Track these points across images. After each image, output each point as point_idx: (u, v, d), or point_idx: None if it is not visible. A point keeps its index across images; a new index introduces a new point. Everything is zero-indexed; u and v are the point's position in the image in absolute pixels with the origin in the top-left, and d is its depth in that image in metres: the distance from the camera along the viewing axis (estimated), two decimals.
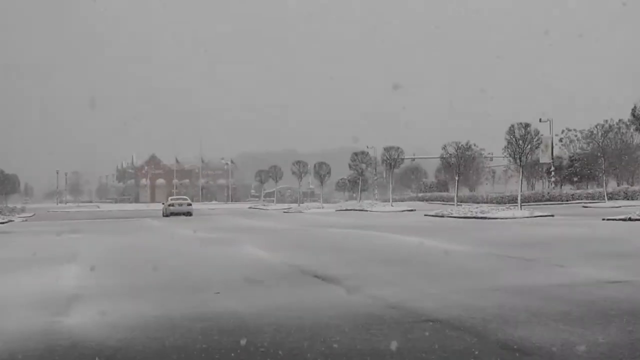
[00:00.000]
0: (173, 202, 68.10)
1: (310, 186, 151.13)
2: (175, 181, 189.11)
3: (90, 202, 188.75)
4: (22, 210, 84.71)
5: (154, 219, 57.51)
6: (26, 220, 60.33)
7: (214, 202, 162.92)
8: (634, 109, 38.78)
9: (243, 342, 8.56)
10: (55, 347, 8.58)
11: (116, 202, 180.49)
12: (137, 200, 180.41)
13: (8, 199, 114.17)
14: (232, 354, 8.06)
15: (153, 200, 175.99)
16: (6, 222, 53.09)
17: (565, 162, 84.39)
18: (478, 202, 75.98)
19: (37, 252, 23.56)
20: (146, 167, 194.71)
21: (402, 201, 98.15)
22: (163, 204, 71.35)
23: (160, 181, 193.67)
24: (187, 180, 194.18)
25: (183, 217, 59.08)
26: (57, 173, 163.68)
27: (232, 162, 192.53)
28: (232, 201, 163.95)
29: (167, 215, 63.04)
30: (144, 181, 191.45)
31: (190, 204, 67.11)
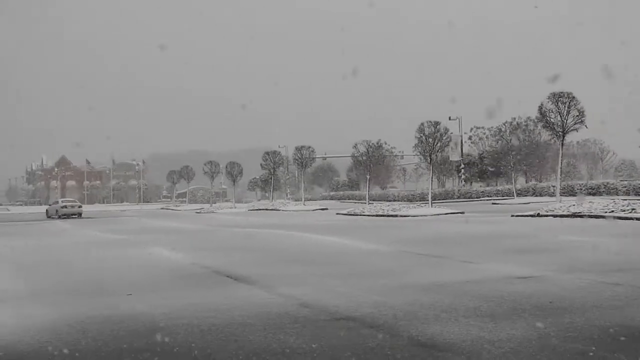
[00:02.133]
0: (66, 204, 73.28)
1: (223, 186, 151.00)
2: (86, 183, 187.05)
3: (0, 204, 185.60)
4: None
5: (64, 221, 56.75)
6: None
7: (125, 203, 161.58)
8: (540, 107, 39.48)
9: (156, 343, 8.51)
10: None
11: (26, 204, 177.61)
12: (47, 203, 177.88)
13: None
14: (145, 355, 8.01)
15: None
16: None
17: (475, 160, 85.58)
18: (389, 200, 76.73)
19: None
20: (56, 169, 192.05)
21: (314, 200, 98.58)
22: (50, 205, 77.08)
23: (71, 183, 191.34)
24: (98, 182, 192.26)
25: (92, 220, 58.66)
26: None
27: (143, 162, 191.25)
28: (143, 202, 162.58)
29: (59, 217, 68.74)
30: (54, 183, 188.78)
31: (80, 206, 73.77)
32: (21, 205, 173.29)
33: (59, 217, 68.50)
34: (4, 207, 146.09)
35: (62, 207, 71.29)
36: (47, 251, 24.57)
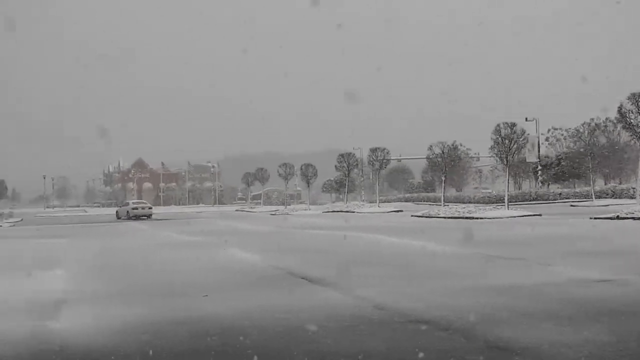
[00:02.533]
0: (137, 205, 75.60)
1: (297, 188, 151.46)
2: (161, 184, 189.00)
3: (78, 206, 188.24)
4: (10, 215, 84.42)
5: (141, 222, 57.40)
6: (14, 226, 60.09)
7: (200, 205, 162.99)
8: (620, 107, 38.85)
9: (230, 344, 8.53)
10: (43, 352, 8.54)
11: (103, 206, 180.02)
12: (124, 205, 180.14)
13: None
14: (219, 356, 8.03)
15: None
16: None
17: (552, 161, 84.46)
18: (465, 202, 76.20)
19: (24, 257, 23.57)
20: (133, 171, 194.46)
21: (389, 202, 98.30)
22: (120, 207, 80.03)
23: (147, 185, 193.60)
24: (173, 184, 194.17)
25: (168, 221, 59.18)
26: (44, 178, 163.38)
27: (218, 165, 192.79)
28: (218, 204, 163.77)
29: (129, 218, 70.59)
30: (130, 185, 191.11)
31: (150, 208, 76.29)
32: (98, 207, 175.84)
33: (129, 219, 69.92)
34: (82, 209, 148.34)
35: (133, 209, 73.15)
36: (123, 252, 24.84)
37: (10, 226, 58.64)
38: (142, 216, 72.04)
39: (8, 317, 11.17)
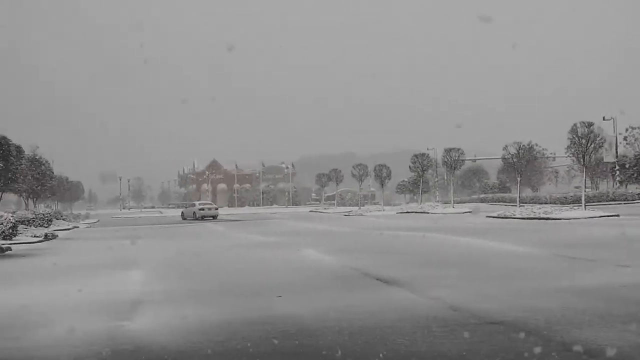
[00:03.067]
0: (203, 206, 76.86)
1: (371, 189, 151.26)
2: (236, 186, 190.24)
3: (153, 207, 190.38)
4: (87, 216, 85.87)
5: (215, 223, 57.81)
6: (90, 227, 60.96)
7: (274, 206, 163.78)
8: None
9: (305, 345, 8.54)
10: (119, 351, 8.65)
11: (178, 207, 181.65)
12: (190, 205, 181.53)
13: (73, 205, 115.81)
14: (294, 357, 8.04)
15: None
16: (71, 229, 53.64)
17: (630, 161, 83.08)
18: (541, 203, 75.21)
19: (100, 257, 23.89)
20: (207, 172, 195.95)
21: (463, 203, 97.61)
22: (186, 207, 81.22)
23: (222, 186, 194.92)
24: (247, 185, 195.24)
25: (242, 222, 59.51)
26: (120, 179, 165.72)
27: (292, 165, 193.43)
28: (292, 205, 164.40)
29: (195, 219, 71.65)
30: (205, 186, 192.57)
31: (217, 209, 78.33)
32: (173, 208, 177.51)
33: (195, 219, 71.19)
34: (157, 210, 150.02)
35: (200, 210, 74.52)
36: (199, 253, 25.04)
37: (87, 227, 59.47)
38: (208, 217, 73.26)
39: (85, 317, 11.32)
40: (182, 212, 78.93)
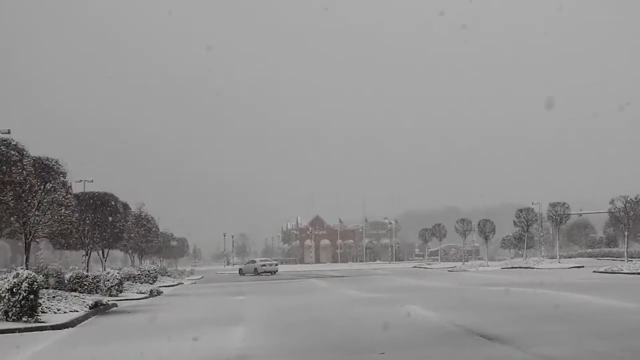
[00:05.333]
0: (265, 263, 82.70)
1: (475, 244, 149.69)
2: (339, 241, 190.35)
3: (277, 263, 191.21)
4: (191, 272, 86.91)
5: (319, 279, 57.88)
6: (195, 283, 61.68)
7: (377, 261, 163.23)
8: None
9: None
10: None
11: (282, 263, 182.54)
12: (302, 261, 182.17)
13: (178, 261, 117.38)
14: None
15: (317, 260, 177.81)
16: (176, 285, 54.39)
17: None
18: None
19: (204, 313, 24.17)
20: (310, 228, 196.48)
21: (569, 257, 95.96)
22: (246, 264, 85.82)
23: (325, 242, 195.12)
24: (350, 241, 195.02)
25: (346, 278, 59.48)
26: (224, 235, 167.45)
27: (395, 221, 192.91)
28: (395, 260, 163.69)
29: (258, 274, 76.67)
30: (308, 242, 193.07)
31: (277, 264, 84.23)
32: (277, 264, 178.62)
33: (257, 275, 75.94)
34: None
35: (262, 266, 79.66)
36: (304, 309, 25.13)
37: (191, 283, 60.17)
38: (268, 272, 77.88)
39: None
40: (241, 269, 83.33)
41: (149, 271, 50.31)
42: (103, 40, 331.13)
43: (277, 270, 79.91)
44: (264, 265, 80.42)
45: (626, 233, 61.06)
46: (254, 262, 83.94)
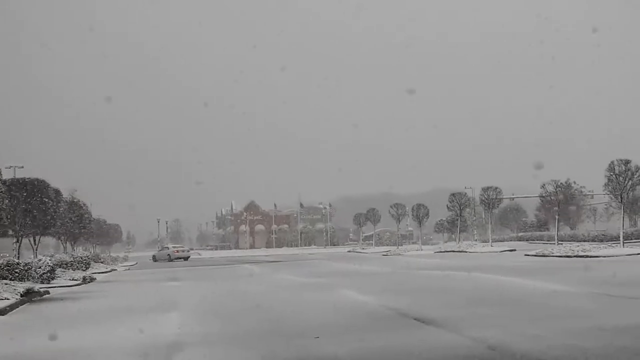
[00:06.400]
0: (177, 249, 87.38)
1: (409, 228, 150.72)
2: (274, 227, 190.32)
3: (191, 249, 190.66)
4: (125, 259, 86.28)
5: (253, 264, 57.81)
6: (129, 269, 61.25)
7: (312, 246, 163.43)
8: None
9: None
10: None
11: (216, 248, 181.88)
12: (237, 247, 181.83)
13: (111, 248, 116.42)
14: None
15: (252, 246, 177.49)
16: (109, 271, 53.94)
17: None
18: (579, 241, 74.66)
19: (138, 300, 24.03)
20: (245, 214, 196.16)
21: (501, 241, 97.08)
22: (159, 250, 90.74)
23: (259, 227, 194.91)
24: (285, 226, 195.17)
25: (281, 263, 59.53)
26: (158, 222, 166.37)
27: (330, 206, 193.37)
28: (330, 245, 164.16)
29: (171, 260, 79.70)
30: (243, 227, 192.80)
31: (189, 251, 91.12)
32: (211, 249, 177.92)
33: (170, 261, 79.02)
34: (195, 252, 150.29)
35: (175, 252, 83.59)
36: (239, 294, 25.13)
37: (125, 270, 59.74)
38: (181, 258, 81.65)
39: None
40: (154, 256, 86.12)
41: (81, 258, 49.74)
42: None
43: (189, 257, 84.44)
44: (177, 251, 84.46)
45: (557, 217, 61.89)
46: (167, 248, 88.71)
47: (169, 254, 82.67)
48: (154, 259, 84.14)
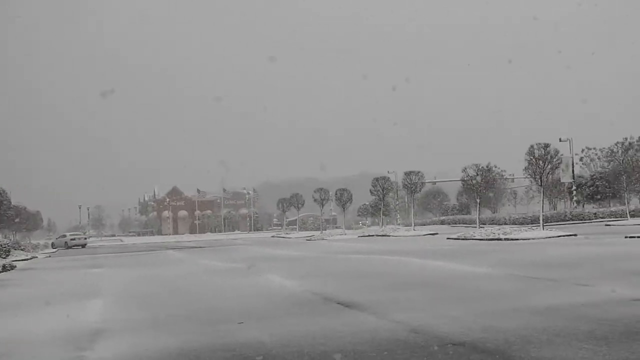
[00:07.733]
0: (74, 236, 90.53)
1: (333, 213, 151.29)
2: (197, 212, 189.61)
3: (113, 235, 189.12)
4: (46, 246, 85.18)
5: (176, 250, 57.55)
6: (50, 256, 60.39)
7: (236, 231, 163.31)
8: None
9: None
10: None
11: (139, 235, 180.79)
12: (159, 233, 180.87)
13: (31, 235, 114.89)
14: None
15: (176, 232, 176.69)
16: (30, 259, 53.16)
17: (586, 181, 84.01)
18: (500, 224, 75.73)
19: (60, 287, 23.77)
20: (168, 199, 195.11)
21: (424, 225, 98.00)
22: (57, 238, 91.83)
23: (183, 213, 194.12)
24: (209, 211, 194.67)
25: (205, 249, 59.39)
26: (80, 208, 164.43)
27: (254, 191, 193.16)
28: (254, 230, 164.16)
29: (67, 248, 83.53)
30: (166, 213, 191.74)
31: (86, 238, 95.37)
32: (134, 236, 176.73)
33: (67, 248, 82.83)
34: (118, 238, 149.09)
35: (71, 240, 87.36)
36: (162, 280, 24.97)
37: (46, 257, 58.93)
38: (78, 245, 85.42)
39: (46, 348, 11.30)
40: (53, 243, 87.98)
41: (0, 245, 49.00)
42: None
43: (86, 244, 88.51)
44: (74, 239, 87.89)
45: (478, 200, 62.57)
46: (64, 236, 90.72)
47: (65, 242, 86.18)
48: (53, 246, 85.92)
